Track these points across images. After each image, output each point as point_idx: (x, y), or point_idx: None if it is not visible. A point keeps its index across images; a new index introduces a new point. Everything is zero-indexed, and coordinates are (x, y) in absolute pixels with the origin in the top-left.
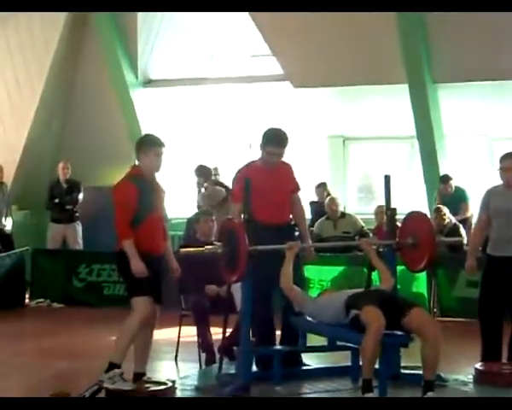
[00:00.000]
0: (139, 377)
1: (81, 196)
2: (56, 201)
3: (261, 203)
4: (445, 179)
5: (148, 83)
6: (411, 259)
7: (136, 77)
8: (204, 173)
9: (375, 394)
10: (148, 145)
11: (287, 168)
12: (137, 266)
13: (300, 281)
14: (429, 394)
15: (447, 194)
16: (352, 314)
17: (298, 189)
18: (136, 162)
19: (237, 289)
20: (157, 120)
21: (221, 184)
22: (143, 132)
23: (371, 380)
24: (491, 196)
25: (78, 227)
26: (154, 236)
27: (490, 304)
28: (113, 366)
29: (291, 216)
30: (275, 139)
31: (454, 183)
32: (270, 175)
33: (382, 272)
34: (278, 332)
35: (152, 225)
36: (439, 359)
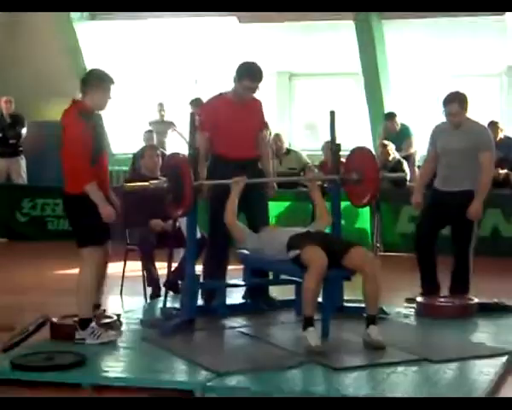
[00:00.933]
0: (96, 307)
1: (24, 130)
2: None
3: (227, 138)
4: (390, 116)
5: (92, 17)
6: (355, 194)
7: None
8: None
9: (316, 328)
10: (98, 81)
11: (257, 104)
12: (107, 211)
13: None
14: (372, 326)
15: (392, 131)
16: (294, 254)
17: (265, 127)
18: (79, 97)
19: (183, 222)
20: (101, 55)
21: None
22: (87, 67)
23: (312, 317)
24: (438, 132)
25: (22, 161)
26: (106, 176)
27: (425, 236)
28: (85, 321)
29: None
30: (252, 73)
31: (399, 120)
32: (239, 110)
33: (320, 208)
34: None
35: (103, 165)
36: (380, 294)
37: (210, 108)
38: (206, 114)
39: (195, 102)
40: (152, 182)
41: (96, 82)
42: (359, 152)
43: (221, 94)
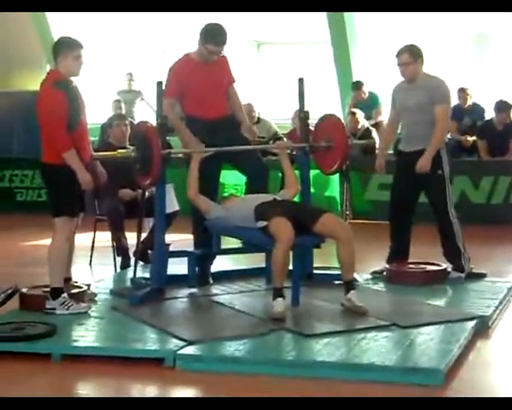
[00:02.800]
0: (66, 281)
1: None
2: None
3: (198, 99)
4: (357, 86)
5: None
6: (325, 161)
7: None
8: None
9: (286, 298)
10: (67, 48)
11: (223, 61)
12: (86, 178)
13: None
14: (352, 292)
15: (360, 100)
16: (261, 225)
17: (233, 80)
18: (50, 67)
19: (169, 190)
20: (68, 25)
21: None
22: (54, 37)
23: (281, 288)
24: (397, 92)
25: None
26: (85, 143)
27: (401, 201)
28: (56, 291)
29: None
30: (217, 37)
31: (368, 88)
32: (206, 69)
33: (289, 177)
34: None
35: (82, 132)
36: (355, 258)
37: (177, 71)
38: (172, 79)
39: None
40: (120, 151)
41: (66, 49)
42: (328, 119)
43: (187, 55)
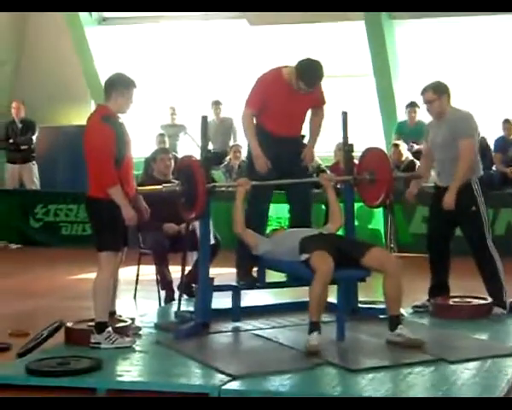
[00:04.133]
0: (111, 315)
1: (36, 135)
2: (11, 141)
3: (274, 116)
4: (413, 104)
5: (103, 20)
6: (369, 194)
7: (91, 14)
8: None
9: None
10: (124, 86)
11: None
12: (130, 214)
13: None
14: (401, 327)
15: (412, 121)
16: (304, 257)
17: (323, 102)
18: (93, 102)
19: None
20: (112, 60)
21: None
22: (98, 72)
23: (318, 322)
24: (429, 128)
25: (34, 167)
26: (130, 178)
27: (436, 236)
28: (101, 325)
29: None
30: (310, 79)
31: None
32: (292, 93)
33: (334, 210)
34: None
35: (128, 168)
36: (402, 293)
37: (264, 84)
38: (258, 90)
39: (216, 103)
40: (165, 185)
41: (122, 87)
42: (372, 152)
43: (279, 70)
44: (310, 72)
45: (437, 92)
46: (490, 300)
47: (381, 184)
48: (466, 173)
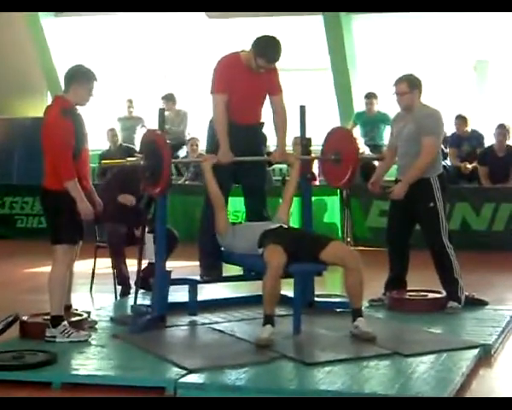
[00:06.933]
0: (66, 309)
1: None
2: None
3: (236, 103)
4: (370, 96)
5: (60, 12)
6: (334, 175)
7: None
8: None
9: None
10: (85, 78)
11: (271, 71)
12: (87, 209)
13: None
14: (359, 319)
15: (371, 112)
16: (261, 251)
17: (280, 90)
18: (50, 94)
19: (149, 239)
20: (69, 51)
21: None
22: (55, 64)
23: (271, 315)
24: (395, 120)
25: None
26: (86, 171)
27: (396, 230)
28: (56, 319)
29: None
30: (269, 54)
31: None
32: (251, 75)
33: (286, 203)
34: None
35: (84, 161)
36: (363, 286)
37: (223, 67)
38: (219, 74)
39: (167, 98)
40: (129, 159)
41: (83, 78)
42: (338, 132)
43: (237, 54)
44: (269, 46)
45: (410, 85)
46: (445, 294)
47: (346, 165)
48: (423, 170)
